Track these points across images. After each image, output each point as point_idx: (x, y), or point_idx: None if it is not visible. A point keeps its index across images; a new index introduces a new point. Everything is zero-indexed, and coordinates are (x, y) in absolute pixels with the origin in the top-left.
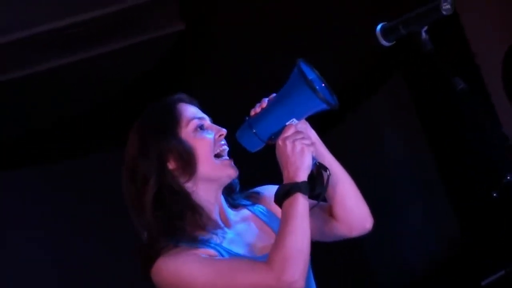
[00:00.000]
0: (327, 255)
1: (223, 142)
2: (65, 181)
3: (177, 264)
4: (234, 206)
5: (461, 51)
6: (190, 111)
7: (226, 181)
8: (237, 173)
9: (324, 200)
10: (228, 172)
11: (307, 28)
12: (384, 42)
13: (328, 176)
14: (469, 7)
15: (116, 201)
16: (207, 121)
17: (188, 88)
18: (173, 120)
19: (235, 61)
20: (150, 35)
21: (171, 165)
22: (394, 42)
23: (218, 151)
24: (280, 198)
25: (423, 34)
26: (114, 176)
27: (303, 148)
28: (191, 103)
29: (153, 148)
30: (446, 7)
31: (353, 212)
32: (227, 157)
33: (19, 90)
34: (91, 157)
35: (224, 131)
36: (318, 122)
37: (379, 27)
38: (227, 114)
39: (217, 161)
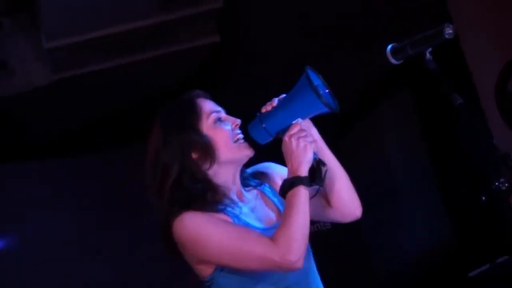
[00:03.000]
0: (330, 245)
1: (238, 131)
2: (96, 171)
3: (196, 222)
4: (246, 185)
5: (460, 70)
6: (209, 105)
7: (245, 160)
8: (254, 152)
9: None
10: (246, 152)
11: (327, 44)
12: (393, 61)
13: (326, 170)
14: (467, 30)
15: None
16: (223, 113)
17: (219, 93)
18: (194, 115)
19: (263, 71)
20: (189, 45)
21: (194, 155)
22: (402, 61)
23: (235, 139)
24: (286, 190)
25: (428, 55)
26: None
27: (305, 144)
28: (207, 97)
29: (176, 141)
30: (448, 32)
31: (346, 202)
32: (243, 140)
33: (69, 87)
34: (123, 151)
35: (239, 121)
36: (331, 130)
37: (389, 47)
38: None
39: (235, 144)
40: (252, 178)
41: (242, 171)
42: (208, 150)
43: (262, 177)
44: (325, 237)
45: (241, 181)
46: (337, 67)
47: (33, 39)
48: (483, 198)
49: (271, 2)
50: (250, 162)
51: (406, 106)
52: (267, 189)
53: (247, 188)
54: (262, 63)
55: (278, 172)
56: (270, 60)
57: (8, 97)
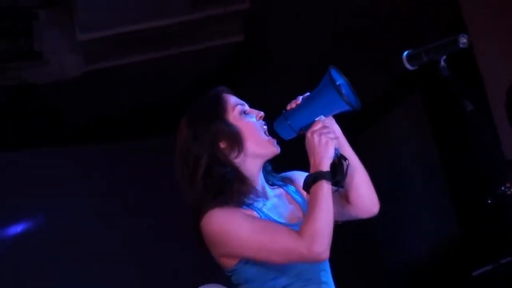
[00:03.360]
0: (343, 242)
1: (263, 122)
2: (123, 158)
3: (225, 217)
4: (271, 184)
5: (472, 78)
6: (233, 99)
7: (270, 156)
8: (279, 150)
9: (342, 186)
10: (272, 149)
11: (344, 47)
12: (409, 66)
13: (347, 166)
14: (481, 40)
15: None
16: (247, 106)
17: (241, 91)
18: (221, 107)
19: (284, 70)
20: (215, 43)
21: (222, 145)
22: (417, 67)
23: (262, 131)
24: (309, 185)
25: (442, 62)
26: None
27: (327, 141)
28: (231, 93)
29: (205, 132)
30: (463, 41)
31: (365, 197)
32: (271, 137)
33: (100, 78)
34: (150, 141)
35: (262, 113)
36: (349, 128)
37: (405, 53)
38: (277, 114)
39: (265, 138)
40: (278, 180)
41: (269, 171)
42: (235, 139)
43: (287, 181)
44: (337, 232)
45: (266, 179)
46: (356, 70)
47: (67, 32)
48: (489, 201)
49: (294, 8)
50: (278, 165)
51: (419, 109)
52: (292, 189)
53: (272, 187)
54: (284, 63)
55: (304, 176)
56: (291, 61)
57: (43, 85)
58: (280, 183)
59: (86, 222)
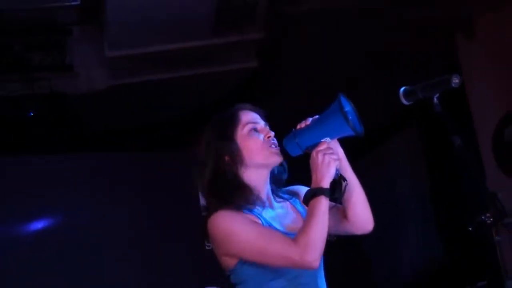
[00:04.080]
0: (337, 254)
1: (272, 141)
2: (141, 168)
3: (229, 219)
4: (278, 197)
5: (463, 115)
6: (248, 117)
7: (273, 165)
8: (282, 159)
9: (340, 203)
10: (275, 158)
11: (350, 79)
12: (405, 101)
13: (346, 185)
14: (473, 81)
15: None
16: (261, 125)
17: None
18: (232, 126)
19: (295, 97)
20: (231, 67)
21: (227, 158)
22: (412, 102)
23: (268, 146)
24: (309, 198)
25: (435, 99)
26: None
27: (330, 161)
28: (253, 110)
29: (214, 146)
30: (455, 81)
31: (360, 215)
32: (275, 147)
33: (125, 93)
34: (168, 154)
35: (272, 133)
36: (350, 151)
37: (402, 89)
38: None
39: (267, 150)
40: (285, 193)
41: (277, 188)
42: (237, 155)
43: (294, 194)
44: (331, 247)
45: (274, 191)
46: (359, 101)
47: (97, 48)
48: (470, 228)
49: (304, 40)
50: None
51: (414, 141)
52: (297, 203)
53: (278, 199)
54: (293, 89)
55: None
56: (300, 87)
57: (71, 96)
58: (287, 196)
59: (101, 223)
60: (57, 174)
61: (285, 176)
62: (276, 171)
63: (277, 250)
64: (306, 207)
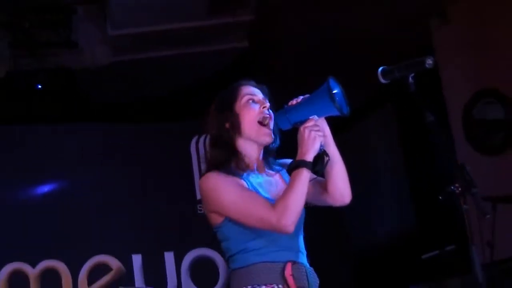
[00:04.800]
0: (317, 222)
1: (267, 112)
2: (142, 139)
3: (217, 180)
4: (270, 167)
5: (436, 94)
6: (248, 90)
7: (264, 143)
8: (272, 139)
9: (322, 176)
10: (265, 138)
11: (332, 60)
12: (383, 80)
13: (327, 160)
14: (446, 62)
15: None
16: (258, 96)
17: None
18: (232, 97)
19: (281, 77)
20: (223, 46)
21: (227, 125)
22: (389, 81)
23: (261, 117)
24: (292, 169)
25: (410, 79)
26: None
27: (315, 136)
28: (254, 85)
29: (217, 116)
30: (429, 62)
31: (339, 188)
32: (268, 127)
33: (126, 68)
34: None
35: (268, 104)
36: (332, 126)
37: (380, 69)
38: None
39: (260, 128)
40: (277, 164)
41: (272, 159)
42: (235, 124)
43: (284, 166)
44: (311, 214)
45: (267, 162)
46: (340, 82)
47: (100, 26)
48: (440, 197)
49: (291, 23)
50: (281, 152)
51: (390, 117)
52: (286, 175)
53: (269, 170)
54: (281, 68)
55: None
56: (287, 67)
57: (76, 70)
58: (278, 168)
59: (104, 186)
60: (63, 143)
61: (275, 145)
62: (270, 149)
63: (256, 212)
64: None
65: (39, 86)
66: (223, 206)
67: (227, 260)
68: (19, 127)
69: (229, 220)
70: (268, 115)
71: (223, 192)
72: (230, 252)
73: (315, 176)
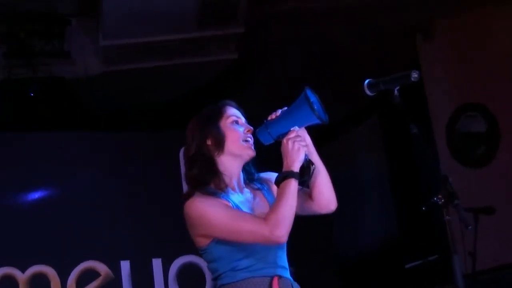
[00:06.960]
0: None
1: (249, 136)
2: (128, 147)
3: (203, 204)
4: (249, 185)
5: (421, 107)
6: (232, 111)
7: (246, 158)
8: (254, 154)
9: (307, 186)
10: (248, 152)
11: (320, 72)
12: (368, 92)
13: (313, 169)
14: (431, 76)
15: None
16: (241, 120)
17: (231, 99)
18: (218, 114)
19: (269, 88)
20: (212, 58)
21: (209, 142)
22: (375, 93)
23: (245, 138)
24: (280, 180)
25: (395, 91)
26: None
27: (299, 147)
28: (236, 107)
29: (200, 130)
30: (414, 76)
31: (324, 196)
32: (250, 142)
33: (117, 78)
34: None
35: (251, 128)
36: (316, 137)
37: (366, 81)
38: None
39: (243, 143)
40: (257, 181)
41: (251, 175)
42: (218, 140)
43: (264, 181)
44: (296, 223)
45: (246, 180)
46: (327, 93)
47: (92, 37)
48: (423, 208)
49: (279, 36)
50: (258, 165)
51: (375, 128)
52: (265, 190)
53: (249, 187)
54: (269, 80)
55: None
56: (275, 78)
57: (69, 80)
58: (258, 185)
59: (93, 193)
60: (54, 150)
61: (253, 171)
62: (248, 166)
63: (248, 227)
64: (275, 194)
65: (31, 94)
66: (213, 230)
67: (215, 278)
68: (9, 134)
69: (217, 241)
70: (250, 139)
71: (211, 216)
72: (218, 272)
73: (300, 187)
